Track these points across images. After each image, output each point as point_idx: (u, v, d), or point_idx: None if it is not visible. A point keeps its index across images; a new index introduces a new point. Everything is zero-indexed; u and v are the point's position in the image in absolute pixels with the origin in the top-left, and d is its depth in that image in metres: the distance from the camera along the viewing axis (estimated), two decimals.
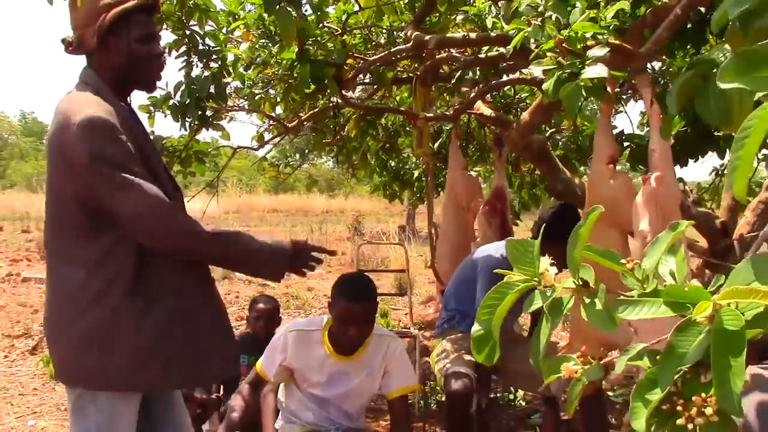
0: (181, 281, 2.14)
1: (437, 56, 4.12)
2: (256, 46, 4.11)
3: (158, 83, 2.32)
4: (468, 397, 3.42)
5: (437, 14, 4.12)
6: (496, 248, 3.83)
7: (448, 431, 3.60)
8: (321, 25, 3.95)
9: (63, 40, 2.18)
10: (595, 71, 2.17)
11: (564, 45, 2.28)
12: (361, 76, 4.44)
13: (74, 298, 2.02)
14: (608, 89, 3.75)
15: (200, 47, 3.98)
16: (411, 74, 4.87)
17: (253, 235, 2.22)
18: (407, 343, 5.25)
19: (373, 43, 4.58)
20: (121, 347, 2.03)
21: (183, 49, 3.96)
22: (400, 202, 8.23)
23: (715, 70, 1.68)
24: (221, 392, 3.94)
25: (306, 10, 3.88)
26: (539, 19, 2.45)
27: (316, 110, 4.66)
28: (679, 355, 0.91)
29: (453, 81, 4.37)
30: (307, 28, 3.59)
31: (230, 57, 4.07)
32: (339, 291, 3.04)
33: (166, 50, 3.87)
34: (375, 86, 5.08)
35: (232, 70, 4.03)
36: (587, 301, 1.05)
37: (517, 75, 4.32)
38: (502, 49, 3.66)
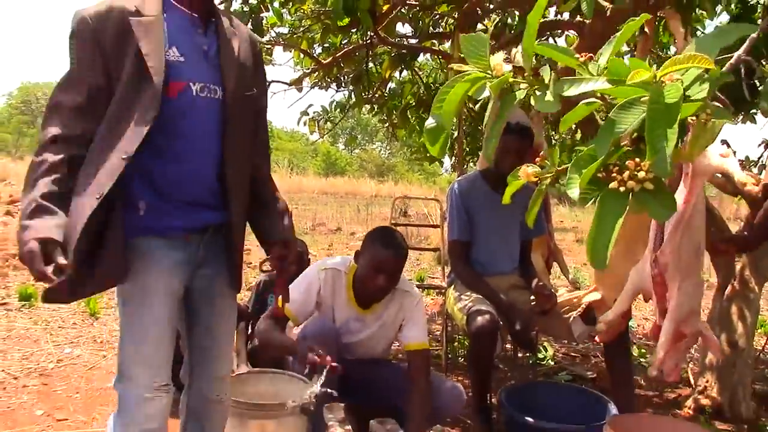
0: None
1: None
2: None
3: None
4: (493, 334, 3.36)
5: None
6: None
7: (472, 370, 3.57)
8: None
9: None
10: None
11: None
12: (399, 25, 4.44)
13: None
14: (646, 30, 3.68)
15: None
16: (450, 27, 4.85)
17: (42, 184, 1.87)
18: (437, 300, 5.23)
19: None
20: None
21: None
22: (440, 165, 8.20)
23: None
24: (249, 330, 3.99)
25: None
26: None
27: (351, 47, 4.66)
28: (618, 127, 0.91)
29: (492, 28, 4.35)
30: None
31: None
32: (374, 238, 3.07)
33: None
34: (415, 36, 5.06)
35: (270, 5, 4.07)
36: (538, 93, 1.05)
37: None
38: None
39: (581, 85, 1.01)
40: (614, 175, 0.96)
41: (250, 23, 4.00)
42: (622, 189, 0.95)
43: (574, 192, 0.98)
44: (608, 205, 0.96)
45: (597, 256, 0.96)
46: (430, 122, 1.14)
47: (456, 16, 4.53)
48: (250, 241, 2.38)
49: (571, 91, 1.01)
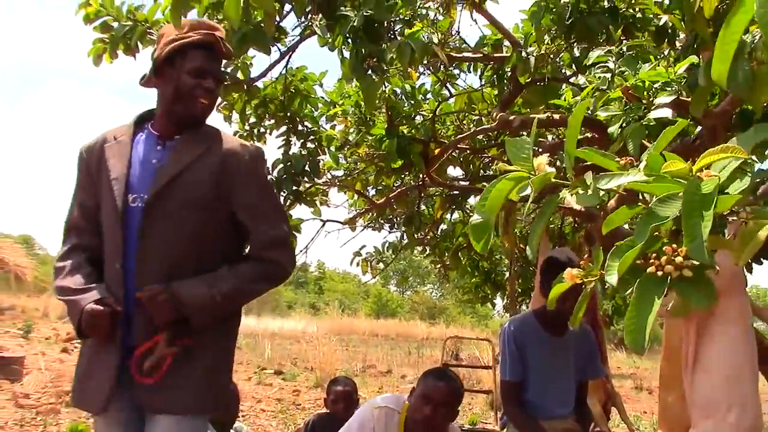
0: None
1: None
2: (350, 129, 4.37)
3: (206, 119, 2.37)
4: None
5: (527, 106, 4.28)
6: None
7: None
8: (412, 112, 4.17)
9: (141, 77, 2.40)
10: (660, 113, 2.21)
11: (630, 92, 2.34)
12: (450, 167, 4.60)
13: None
14: None
15: (299, 128, 4.27)
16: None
17: (77, 284, 2.21)
18: None
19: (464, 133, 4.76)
20: None
21: (283, 129, 4.26)
22: (492, 306, 8.13)
23: None
24: None
25: (400, 98, 4.14)
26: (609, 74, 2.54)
27: (403, 188, 4.81)
28: (657, 216, 0.94)
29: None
30: (396, 106, 3.81)
31: (326, 137, 4.35)
32: (427, 373, 3.11)
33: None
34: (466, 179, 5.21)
35: (327, 150, 4.28)
36: (580, 191, 1.09)
37: None
38: (587, 133, 3.74)
39: (619, 179, 1.05)
40: (652, 261, 0.98)
41: (307, 165, 4.18)
42: (659, 273, 0.97)
43: (612, 278, 1.00)
44: (646, 288, 0.97)
45: (636, 339, 0.97)
46: (475, 218, 1.18)
47: (505, 159, 4.67)
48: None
49: (609, 185, 1.05)
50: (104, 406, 2.16)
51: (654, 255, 0.98)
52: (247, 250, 2.40)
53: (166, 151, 2.28)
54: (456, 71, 4.43)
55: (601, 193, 1.08)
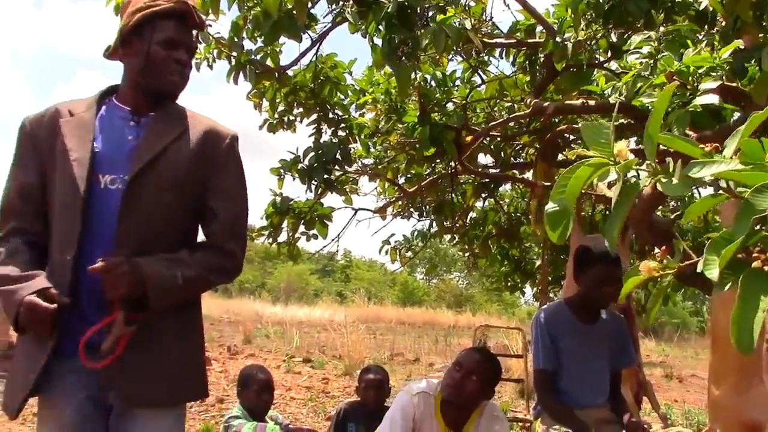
0: None
1: (557, 129, 4.18)
2: (381, 118, 4.35)
3: (178, 94, 2.22)
4: None
5: (559, 92, 4.22)
6: None
7: None
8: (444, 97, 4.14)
9: (105, 48, 2.23)
10: (706, 99, 2.16)
11: (675, 78, 2.29)
12: (481, 155, 4.56)
13: None
14: None
15: (330, 116, 4.26)
16: (532, 157, 4.94)
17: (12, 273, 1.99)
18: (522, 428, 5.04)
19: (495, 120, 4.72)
20: None
21: (313, 117, 4.25)
22: (521, 295, 8.09)
23: None
24: None
25: (431, 85, 4.11)
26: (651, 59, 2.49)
27: (435, 176, 4.79)
28: (755, 208, 0.89)
29: (575, 157, 4.39)
30: (429, 94, 3.78)
31: (357, 126, 4.33)
32: (466, 350, 3.14)
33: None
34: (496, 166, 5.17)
35: (358, 138, 4.26)
36: (663, 179, 1.05)
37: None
38: (623, 120, 3.68)
39: (712, 167, 0.99)
40: (755, 255, 0.93)
41: (338, 154, 4.17)
42: (766, 268, 0.92)
43: (713, 273, 0.95)
44: (751, 285, 0.93)
45: (742, 340, 0.92)
46: (551, 206, 1.14)
47: (537, 146, 4.62)
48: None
49: (701, 173, 0.99)
50: (20, 406, 1.99)
51: (758, 249, 0.93)
52: (202, 236, 2.24)
53: (142, 129, 2.13)
54: (487, 57, 4.38)
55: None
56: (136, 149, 2.07)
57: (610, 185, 4.69)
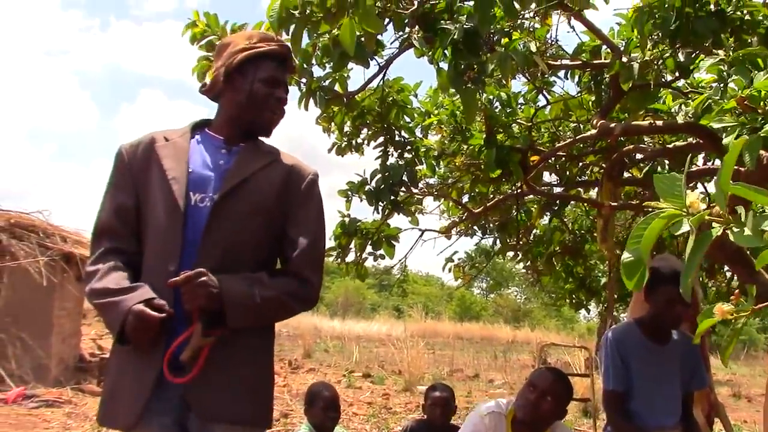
0: None
1: (624, 149, 4.17)
2: (446, 140, 4.42)
3: (273, 129, 2.37)
4: None
5: (625, 112, 4.22)
6: None
7: None
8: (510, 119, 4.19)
9: (202, 84, 2.41)
10: None
11: (746, 102, 2.30)
12: (546, 174, 4.58)
13: None
14: None
15: (396, 139, 4.34)
16: (597, 175, 4.93)
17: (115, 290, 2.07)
18: None
19: (560, 141, 4.73)
20: None
21: (380, 139, 4.34)
22: (586, 312, 8.01)
23: None
24: None
25: (495, 107, 4.16)
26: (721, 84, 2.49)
27: (501, 197, 4.82)
28: None
29: (642, 175, 4.39)
30: (494, 116, 3.83)
31: (423, 148, 4.41)
32: (538, 370, 3.22)
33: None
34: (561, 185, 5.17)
35: (424, 159, 4.34)
36: (735, 229, 1.09)
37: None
38: (691, 139, 3.66)
39: None
40: None
41: (405, 175, 4.25)
42: None
43: None
44: None
45: None
46: (626, 257, 1.19)
47: (603, 165, 4.62)
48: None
49: None
50: (136, 421, 2.04)
51: None
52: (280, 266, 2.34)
53: (233, 156, 2.26)
54: (552, 78, 4.40)
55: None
56: (227, 172, 2.21)
57: None
